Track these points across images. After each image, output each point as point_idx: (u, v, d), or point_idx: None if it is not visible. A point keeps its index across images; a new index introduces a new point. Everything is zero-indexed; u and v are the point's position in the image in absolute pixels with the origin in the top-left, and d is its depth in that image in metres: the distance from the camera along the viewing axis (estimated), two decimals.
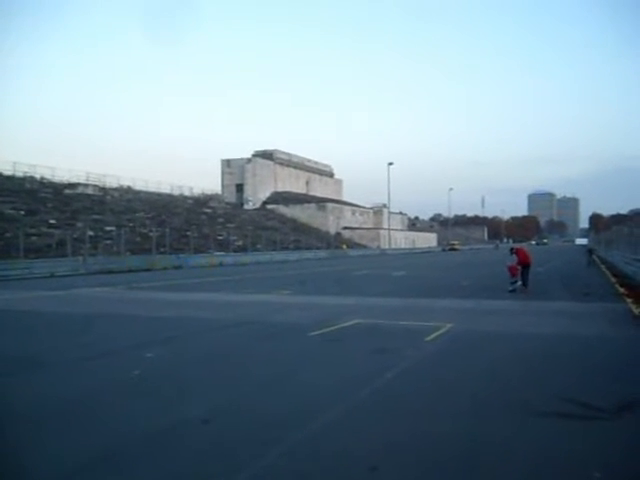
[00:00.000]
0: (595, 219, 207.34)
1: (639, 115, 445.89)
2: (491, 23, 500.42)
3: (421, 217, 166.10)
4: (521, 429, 5.13)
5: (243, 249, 52.18)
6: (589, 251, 41.05)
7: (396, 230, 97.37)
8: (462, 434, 4.96)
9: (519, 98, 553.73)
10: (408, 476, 4.14)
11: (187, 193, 73.20)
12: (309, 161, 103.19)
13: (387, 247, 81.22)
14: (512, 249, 19.37)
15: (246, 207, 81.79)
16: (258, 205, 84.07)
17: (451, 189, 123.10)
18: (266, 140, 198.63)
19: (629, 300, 15.41)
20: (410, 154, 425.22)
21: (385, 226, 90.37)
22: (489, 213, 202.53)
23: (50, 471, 4.26)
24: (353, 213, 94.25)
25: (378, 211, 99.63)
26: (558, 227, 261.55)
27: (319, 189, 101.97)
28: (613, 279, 23.47)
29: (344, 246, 70.86)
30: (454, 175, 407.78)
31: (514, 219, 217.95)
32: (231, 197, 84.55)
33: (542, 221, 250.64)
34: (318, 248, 64.52)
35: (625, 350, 9.05)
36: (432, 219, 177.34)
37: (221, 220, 63.62)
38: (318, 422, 5.28)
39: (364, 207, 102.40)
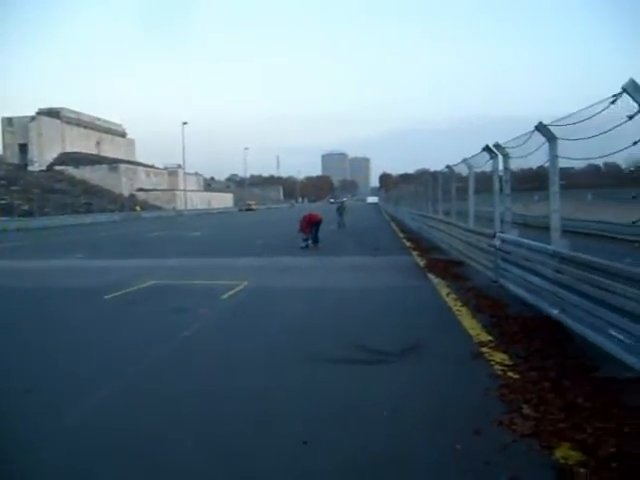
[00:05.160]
0: (385, 178, 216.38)
1: (427, 80, 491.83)
2: None
3: (217, 177, 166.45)
4: (314, 377, 5.44)
5: (30, 213, 50.99)
6: (339, 210, 31.86)
7: (192, 191, 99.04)
8: (255, 385, 5.27)
9: (314, 53, 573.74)
10: (203, 425, 4.42)
11: None
12: (99, 120, 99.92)
13: (183, 208, 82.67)
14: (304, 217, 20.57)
15: (31, 169, 77.70)
16: (45, 167, 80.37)
17: (247, 148, 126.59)
18: (53, 97, 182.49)
19: (415, 253, 16.67)
20: (206, 114, 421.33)
21: (180, 187, 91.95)
22: (285, 173, 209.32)
23: None
24: (147, 174, 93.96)
25: (173, 172, 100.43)
26: (351, 186, 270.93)
27: (111, 150, 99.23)
28: (401, 234, 25.41)
29: (138, 208, 71.62)
30: (249, 135, 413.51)
31: (309, 179, 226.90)
32: (14, 158, 79.62)
33: (335, 180, 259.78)
34: (111, 211, 64.55)
35: (411, 298, 9.72)
36: (228, 179, 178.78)
37: (3, 182, 60.55)
38: (123, 380, 5.55)
39: (158, 168, 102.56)
